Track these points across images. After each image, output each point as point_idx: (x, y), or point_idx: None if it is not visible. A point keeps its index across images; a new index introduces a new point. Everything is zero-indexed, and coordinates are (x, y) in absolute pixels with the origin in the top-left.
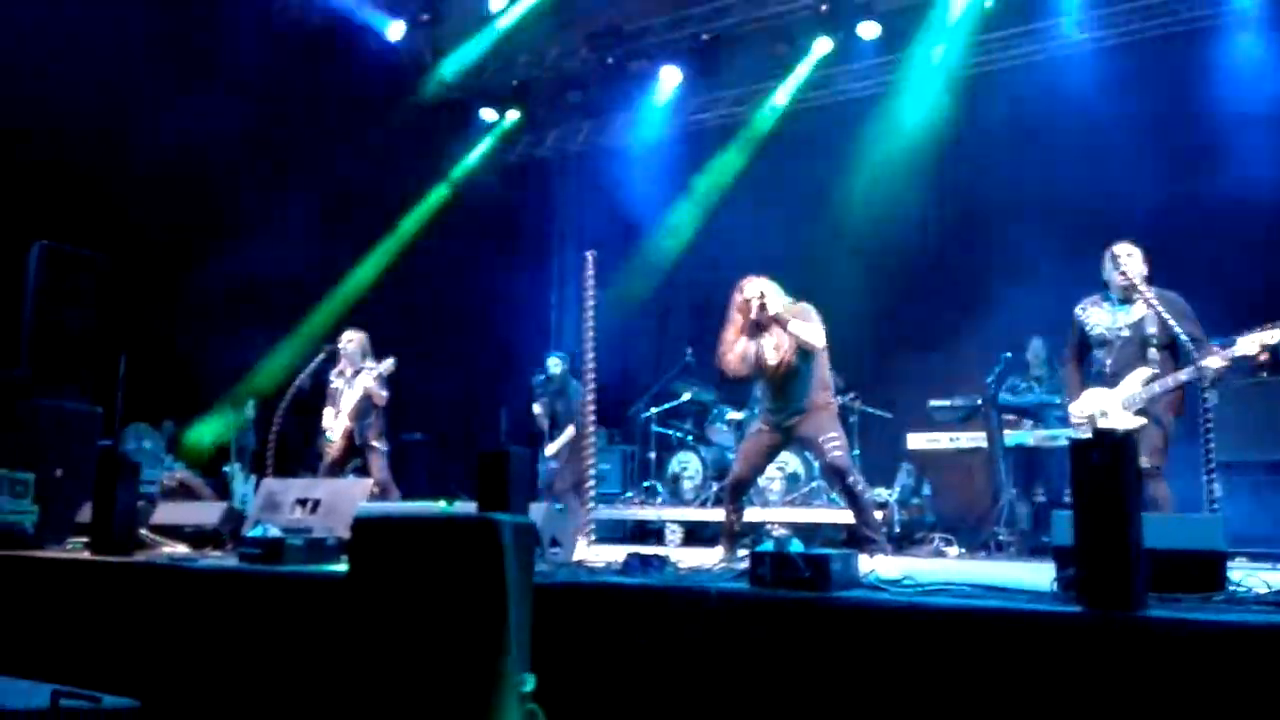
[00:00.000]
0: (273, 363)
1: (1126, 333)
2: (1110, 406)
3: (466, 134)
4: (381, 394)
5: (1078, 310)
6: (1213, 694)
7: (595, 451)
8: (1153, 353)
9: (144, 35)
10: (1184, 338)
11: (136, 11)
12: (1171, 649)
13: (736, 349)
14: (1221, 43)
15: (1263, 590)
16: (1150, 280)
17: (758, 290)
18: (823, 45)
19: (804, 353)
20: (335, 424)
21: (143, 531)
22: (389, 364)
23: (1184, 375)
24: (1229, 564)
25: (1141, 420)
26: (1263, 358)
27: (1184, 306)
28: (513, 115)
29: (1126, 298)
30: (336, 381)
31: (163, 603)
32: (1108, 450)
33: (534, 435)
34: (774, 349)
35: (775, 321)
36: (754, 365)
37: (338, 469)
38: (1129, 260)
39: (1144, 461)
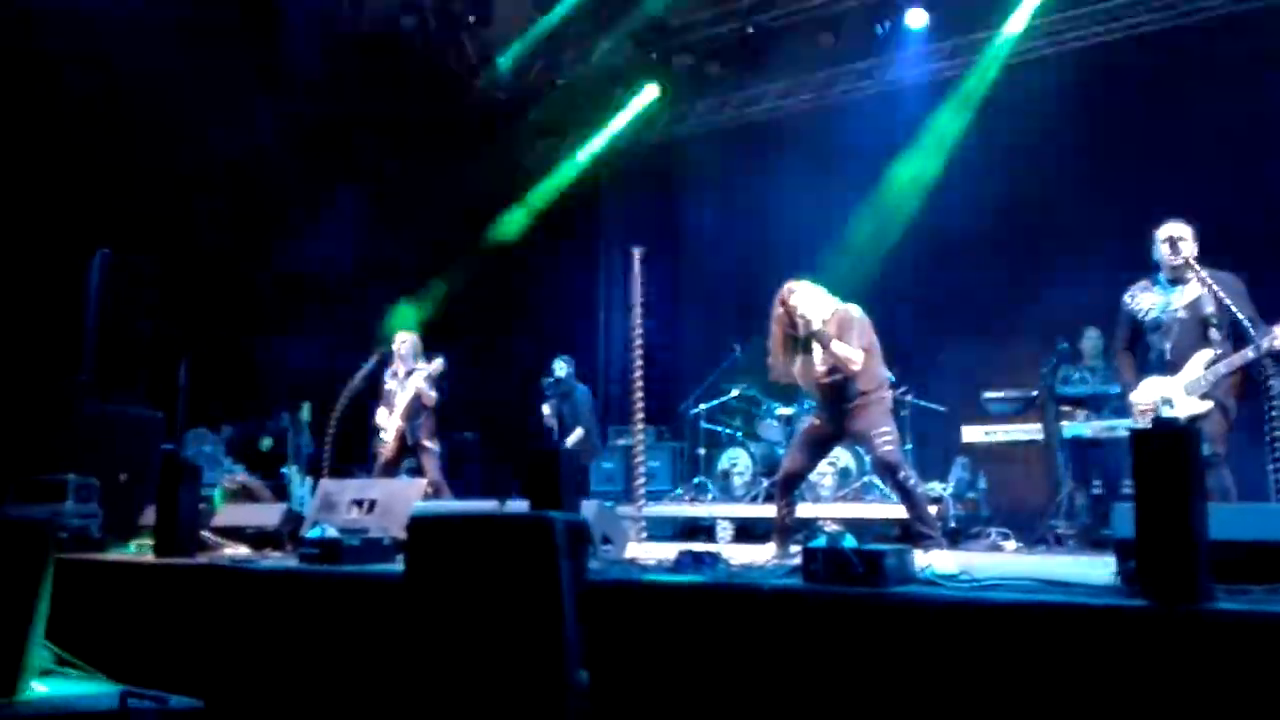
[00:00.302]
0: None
1: (1183, 314)
2: (1174, 393)
3: (513, 133)
4: (431, 394)
5: (1126, 297)
6: None
7: (645, 448)
8: (1213, 333)
9: (205, 35)
10: (1242, 317)
11: (201, 11)
12: (1239, 641)
13: (783, 364)
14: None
15: None
16: (1201, 261)
17: (795, 305)
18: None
19: None
20: (388, 424)
21: (205, 533)
22: (439, 364)
23: (1250, 354)
24: None
25: (1208, 404)
26: None
27: (1239, 286)
28: (558, 113)
29: (1179, 278)
30: (390, 383)
31: (225, 603)
32: (1169, 439)
33: (544, 436)
34: (819, 362)
35: (818, 340)
36: (800, 378)
37: (391, 469)
38: (1183, 240)
39: (1206, 449)
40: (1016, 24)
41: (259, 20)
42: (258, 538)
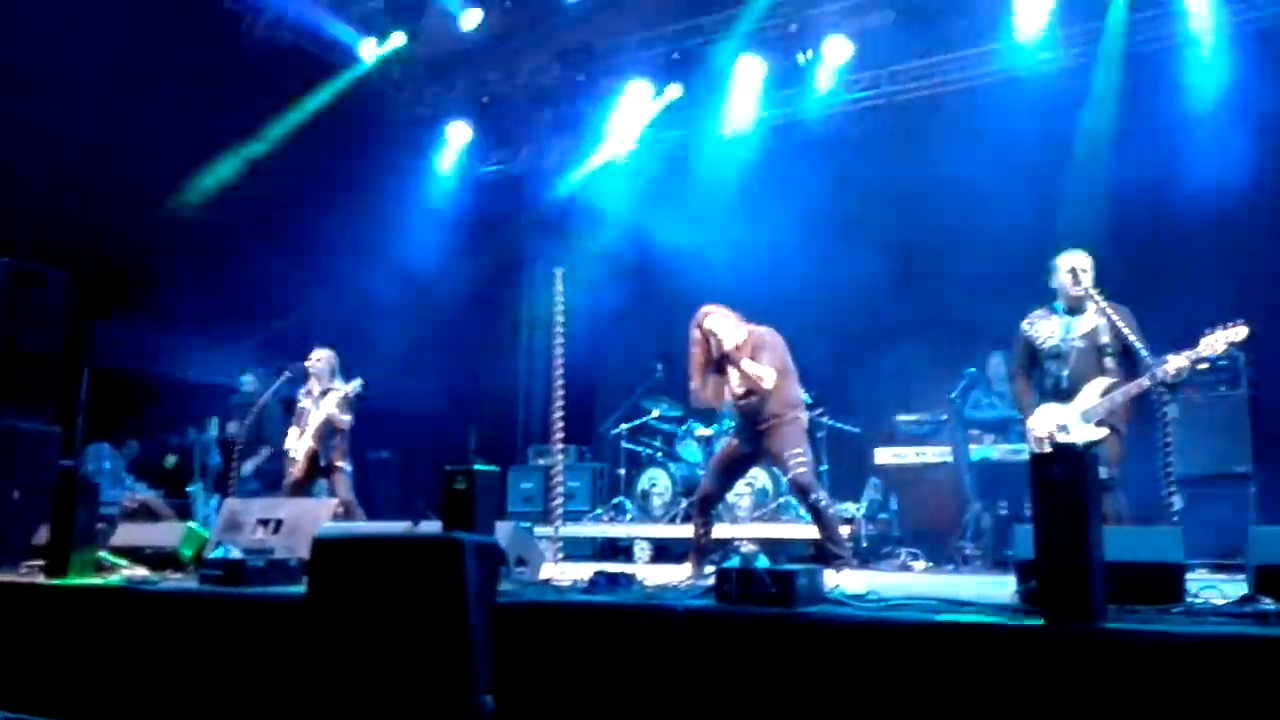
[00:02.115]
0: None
1: (1081, 343)
2: (1070, 420)
3: (437, 150)
4: (343, 419)
5: (1024, 324)
6: (1171, 705)
7: (564, 469)
8: (1109, 361)
9: (106, 49)
10: (1137, 345)
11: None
12: (1130, 660)
13: (703, 388)
14: (1173, 63)
15: (1220, 602)
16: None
17: (710, 328)
18: (756, 67)
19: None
20: (298, 444)
21: (101, 554)
22: (356, 385)
23: (1146, 382)
24: (1188, 576)
25: (1104, 431)
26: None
27: (1131, 317)
28: (483, 132)
29: (1077, 308)
30: (304, 401)
31: (121, 627)
32: (1067, 465)
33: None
34: (738, 383)
35: (730, 361)
36: (721, 398)
37: (300, 489)
38: (1084, 271)
39: (1102, 473)
40: (931, 57)
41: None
42: (158, 558)
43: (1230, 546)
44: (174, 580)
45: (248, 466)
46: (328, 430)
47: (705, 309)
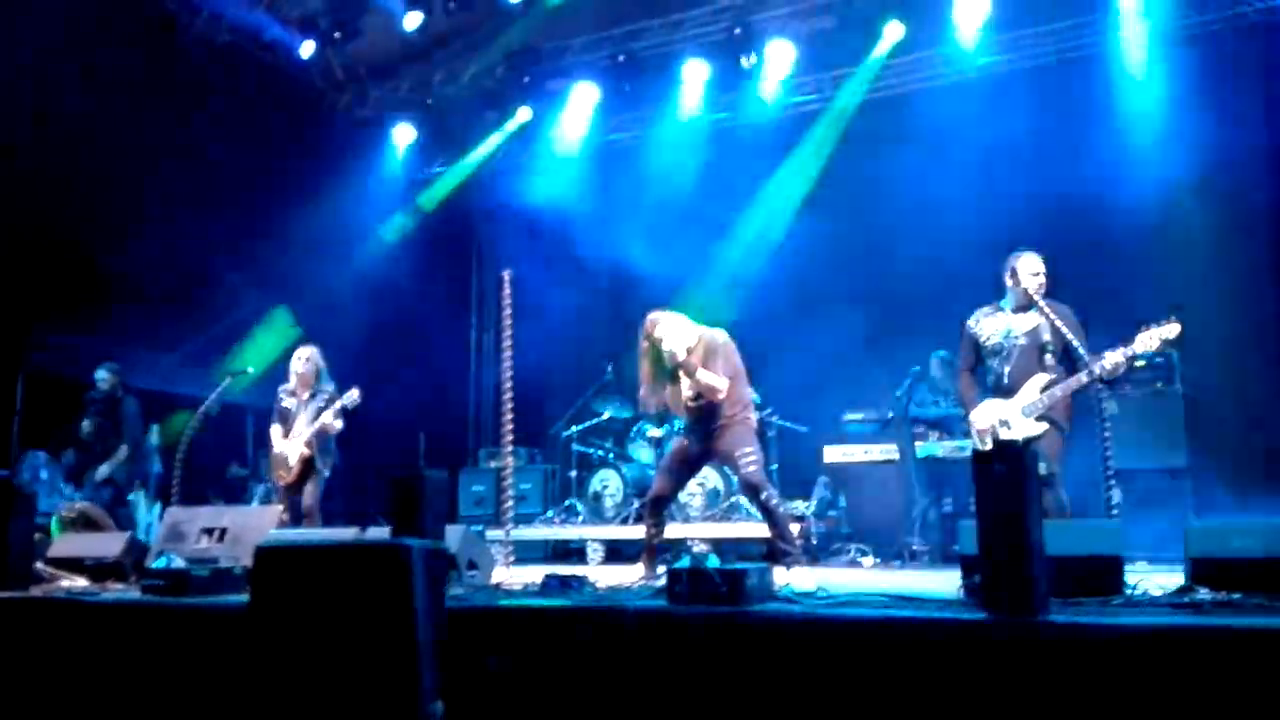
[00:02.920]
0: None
1: (1023, 341)
2: (1011, 415)
3: (380, 152)
4: (337, 425)
5: (970, 321)
6: (1111, 695)
7: (515, 471)
8: (1049, 359)
9: (40, 48)
10: (1076, 344)
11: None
12: (1071, 652)
13: (653, 394)
14: (1105, 70)
15: (1157, 593)
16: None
17: (660, 337)
18: (701, 69)
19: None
20: (290, 448)
21: (39, 565)
22: (354, 396)
23: (1084, 378)
24: (1126, 568)
25: (1044, 426)
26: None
27: (1073, 317)
28: (428, 134)
29: (1023, 306)
30: (288, 401)
31: (60, 639)
32: (1008, 461)
33: (85, 453)
34: (686, 388)
35: (683, 370)
36: (670, 404)
37: (295, 493)
38: (1038, 274)
39: (1043, 468)
40: (874, 62)
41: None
42: (98, 569)
43: (1168, 539)
44: (116, 591)
45: (103, 470)
46: (321, 435)
47: (653, 317)
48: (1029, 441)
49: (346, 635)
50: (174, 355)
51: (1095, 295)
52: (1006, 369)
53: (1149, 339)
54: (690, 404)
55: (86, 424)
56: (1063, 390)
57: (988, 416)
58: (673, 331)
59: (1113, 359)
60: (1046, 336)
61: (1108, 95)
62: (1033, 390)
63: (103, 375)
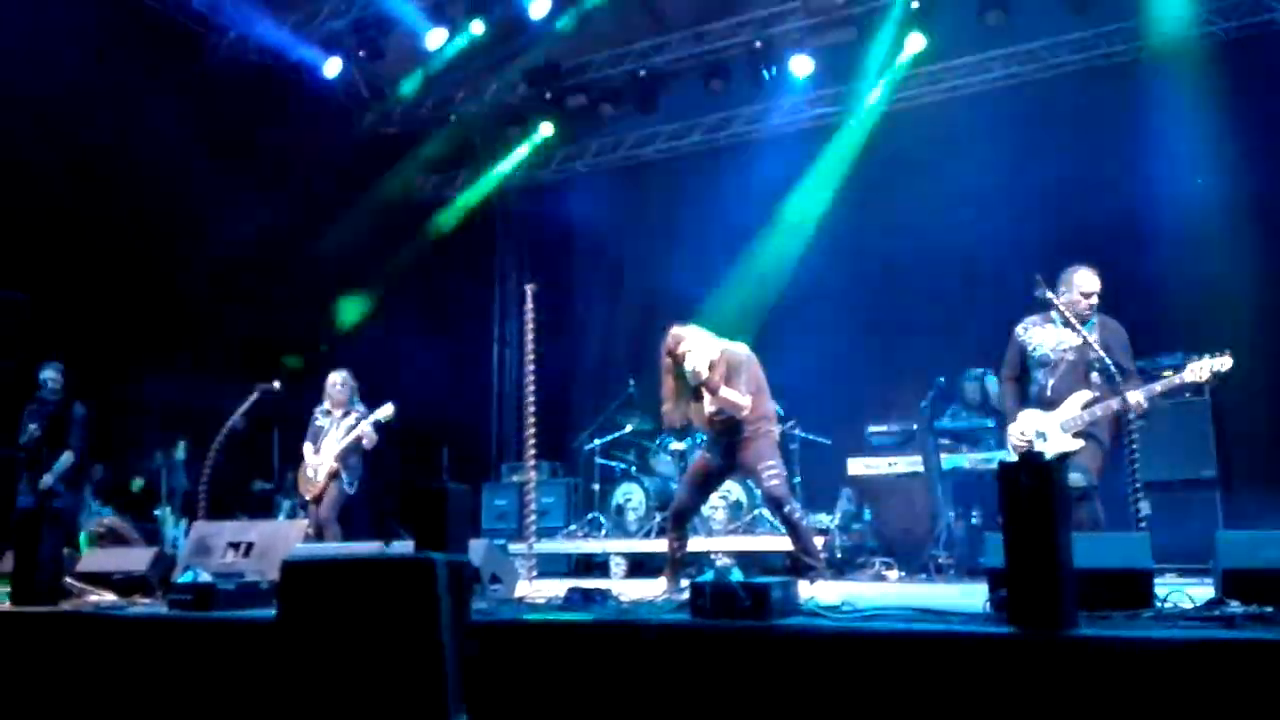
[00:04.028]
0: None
1: (1071, 355)
2: (1050, 428)
3: (404, 170)
4: (374, 436)
5: (1018, 329)
6: (1141, 710)
7: (538, 485)
8: (1095, 376)
9: (67, 68)
10: (1124, 365)
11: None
12: (1100, 666)
13: (676, 410)
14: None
15: (1187, 605)
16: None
17: (682, 354)
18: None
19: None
20: (319, 462)
21: (68, 580)
22: (389, 410)
23: (1115, 405)
24: (1156, 580)
25: (1080, 443)
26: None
27: (1123, 335)
28: (451, 150)
29: (1075, 321)
30: (322, 420)
31: (89, 654)
32: (1035, 474)
33: (29, 459)
34: (709, 404)
35: (707, 388)
36: (694, 418)
37: (318, 507)
38: (1094, 292)
39: (1081, 480)
40: (894, 73)
41: (136, 45)
42: (126, 583)
43: (1197, 551)
44: (142, 605)
45: (46, 479)
46: (353, 449)
47: (676, 333)
48: (1062, 457)
49: (372, 649)
50: (203, 369)
51: (1120, 304)
52: (1051, 381)
53: (1200, 369)
54: (713, 419)
55: (33, 428)
56: (1103, 410)
57: (1026, 427)
58: (695, 348)
59: (1134, 398)
60: (1096, 353)
61: (1129, 106)
62: (1074, 406)
63: (52, 376)
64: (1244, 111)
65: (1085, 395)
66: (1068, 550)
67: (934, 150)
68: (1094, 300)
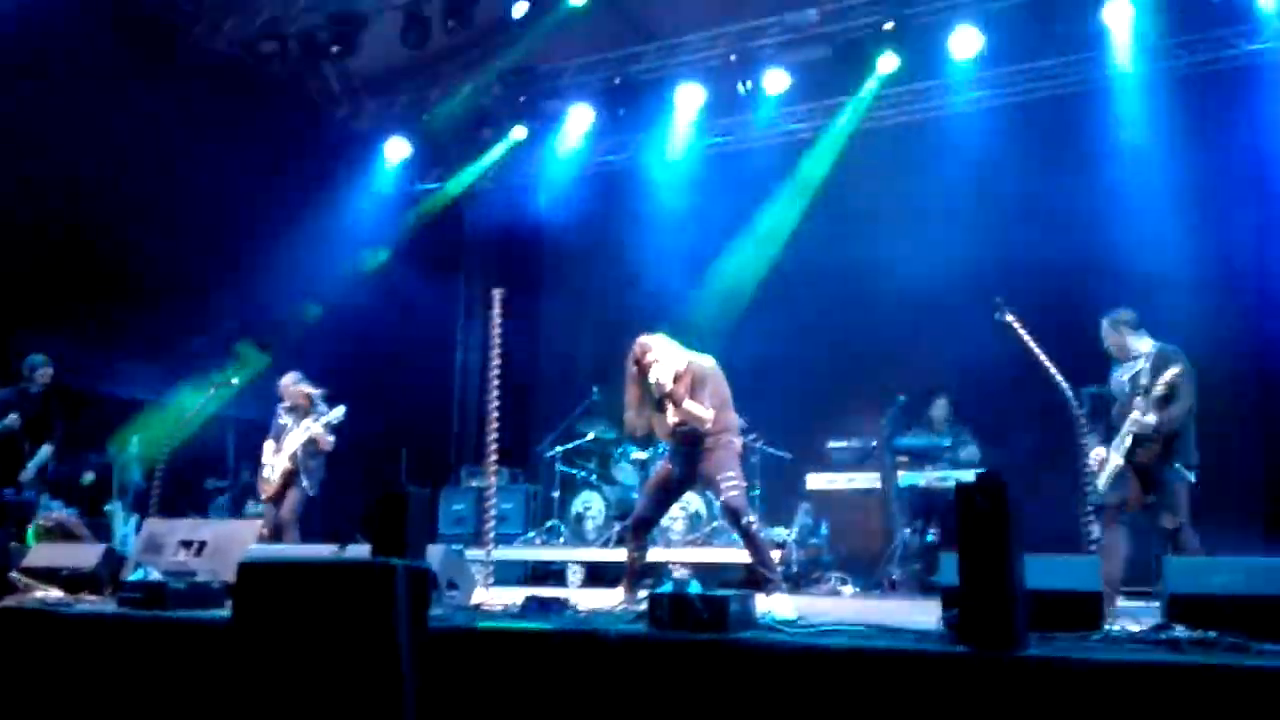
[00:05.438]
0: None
1: (1127, 387)
2: (1110, 455)
3: (373, 166)
4: (329, 439)
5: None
6: None
7: (497, 490)
8: (1139, 400)
9: (37, 52)
10: (1144, 397)
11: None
12: (1049, 687)
13: (639, 419)
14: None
15: (1136, 629)
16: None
17: (648, 364)
18: (696, 94)
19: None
20: (275, 461)
21: (14, 575)
22: (340, 412)
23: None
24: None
25: (1119, 461)
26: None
27: (1156, 365)
28: (421, 149)
29: (1129, 356)
30: (285, 418)
31: (32, 651)
32: (989, 494)
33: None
34: (673, 414)
35: (671, 400)
36: (656, 428)
37: (278, 505)
38: (1105, 339)
39: (1169, 521)
40: (867, 92)
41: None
42: (74, 580)
43: (1144, 574)
44: (91, 603)
45: (29, 471)
46: (310, 449)
47: (643, 342)
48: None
49: (329, 653)
50: (158, 363)
51: (1087, 324)
52: (1115, 413)
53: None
54: (675, 430)
55: (12, 418)
56: (1140, 429)
57: (1099, 458)
58: (661, 358)
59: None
60: (1144, 380)
61: (1098, 132)
62: (1126, 432)
63: (42, 368)
64: (1208, 142)
65: (1134, 416)
66: (1020, 572)
67: (903, 170)
68: (1109, 345)
